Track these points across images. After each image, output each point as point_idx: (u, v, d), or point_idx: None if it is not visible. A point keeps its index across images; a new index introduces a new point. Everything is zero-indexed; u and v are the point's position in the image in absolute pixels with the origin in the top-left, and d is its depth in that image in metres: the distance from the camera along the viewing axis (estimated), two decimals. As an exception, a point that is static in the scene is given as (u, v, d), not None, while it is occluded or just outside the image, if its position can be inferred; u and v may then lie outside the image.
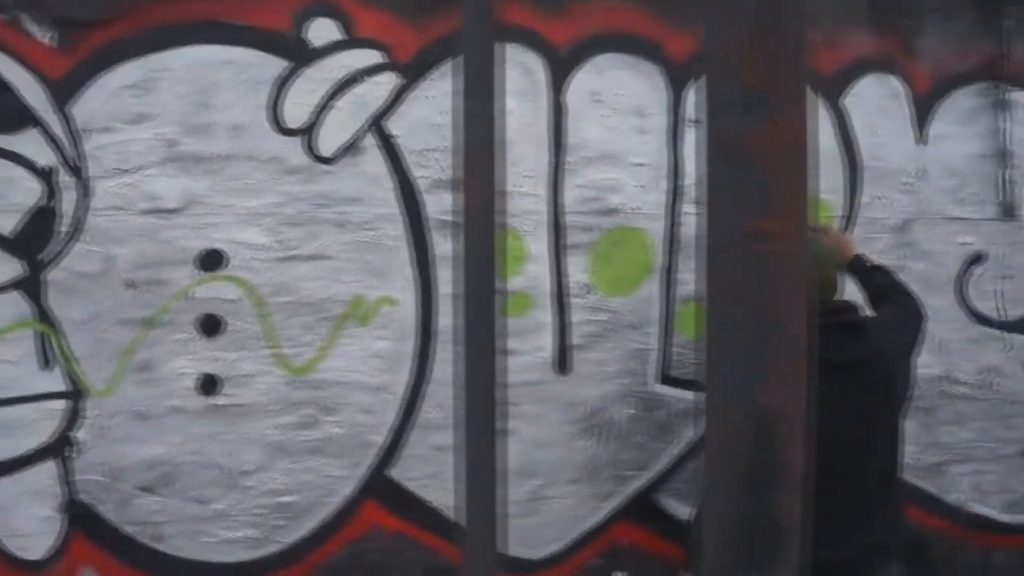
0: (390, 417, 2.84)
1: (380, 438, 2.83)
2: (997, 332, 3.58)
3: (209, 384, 2.73)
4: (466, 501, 1.24)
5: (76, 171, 2.62)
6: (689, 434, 3.09)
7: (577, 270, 2.96)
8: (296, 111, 2.80)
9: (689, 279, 3.09)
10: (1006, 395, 3.58)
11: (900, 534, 2.60)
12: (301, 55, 2.80)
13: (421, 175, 2.85)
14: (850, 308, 2.52)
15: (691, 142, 3.08)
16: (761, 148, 1.10)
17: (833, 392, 2.39)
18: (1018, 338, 3.60)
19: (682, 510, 3.09)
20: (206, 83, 2.73)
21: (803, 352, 1.16)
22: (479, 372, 1.18)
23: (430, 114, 2.86)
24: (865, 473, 2.48)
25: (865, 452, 2.46)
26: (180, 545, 2.70)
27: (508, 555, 2.92)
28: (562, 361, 2.96)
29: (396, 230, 2.84)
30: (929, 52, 3.47)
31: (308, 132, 2.80)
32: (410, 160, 2.85)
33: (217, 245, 2.74)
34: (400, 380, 2.84)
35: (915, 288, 3.40)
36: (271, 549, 2.77)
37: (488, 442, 1.18)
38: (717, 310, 1.16)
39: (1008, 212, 3.60)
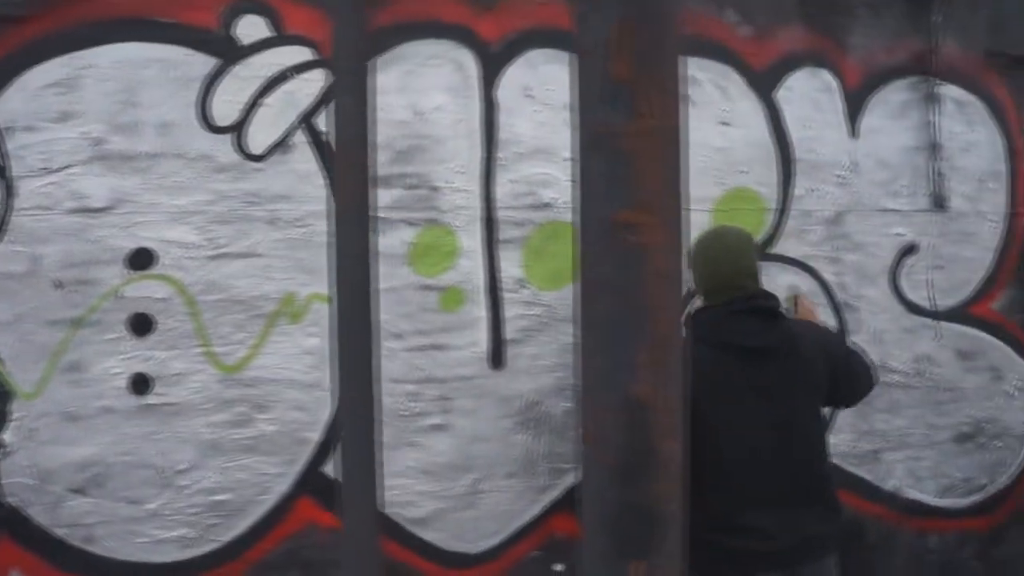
0: (324, 414, 2.84)
1: (314, 435, 2.83)
2: (929, 321, 3.65)
3: (140, 384, 2.71)
4: (343, 483, 1.25)
5: (-1, 170, 2.60)
6: (624, 426, 3.12)
7: (510, 265, 2.98)
8: (225, 109, 2.78)
9: (622, 272, 3.12)
10: (938, 383, 3.66)
11: (836, 525, 2.60)
12: (230, 52, 2.78)
13: (352, 172, 2.85)
14: (768, 296, 2.56)
15: (623, 137, 3.11)
16: (629, 141, 1.12)
17: (750, 378, 2.44)
18: (949, 327, 3.67)
19: (619, 501, 3.12)
20: (133, 81, 2.71)
21: (675, 343, 1.19)
22: (355, 365, 1.18)
23: (361, 111, 2.86)
24: (792, 460, 2.49)
25: (789, 438, 2.48)
26: (112, 546, 2.68)
27: (446, 550, 2.96)
28: (497, 356, 2.97)
29: (327, 227, 2.83)
30: (860, 47, 3.52)
31: (237, 130, 2.79)
32: (341, 157, 2.85)
33: (146, 244, 2.72)
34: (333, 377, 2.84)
35: (849, 279, 3.49)
36: (206, 548, 2.76)
37: (367, 442, 1.18)
38: (589, 301, 1.18)
39: (939, 203, 3.67)
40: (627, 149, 1.13)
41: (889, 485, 3.59)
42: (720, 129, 3.25)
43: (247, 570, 2.78)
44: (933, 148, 3.65)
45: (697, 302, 2.68)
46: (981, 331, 3.75)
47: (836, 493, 2.63)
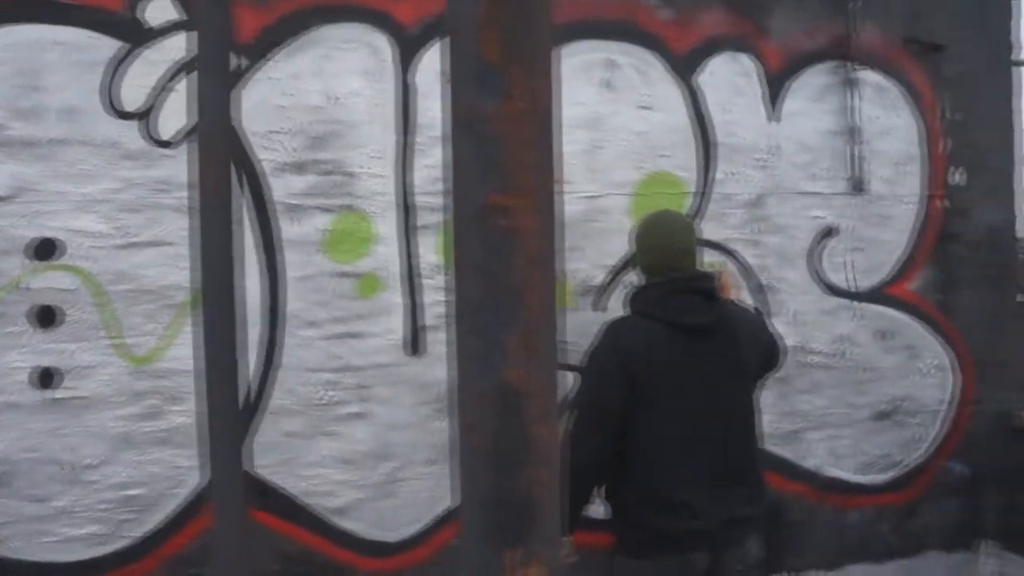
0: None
1: (230, 426, 2.77)
2: (849, 302, 3.71)
3: (47, 377, 2.64)
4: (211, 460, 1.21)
5: None
6: (545, 411, 3.12)
7: (427, 251, 2.95)
8: (133, 94, 2.71)
9: (542, 258, 3.11)
10: (857, 362, 3.72)
11: (761, 508, 2.61)
12: (137, 36, 2.71)
13: (265, 158, 2.79)
14: (708, 277, 2.61)
15: (542, 121, 3.09)
16: (499, 123, 1.10)
17: (689, 356, 2.46)
18: (868, 308, 3.74)
19: (541, 486, 3.11)
20: (34, 64, 2.62)
21: (547, 328, 1.17)
22: (220, 360, 1.15)
23: (273, 96, 2.80)
24: (724, 440, 2.51)
25: (723, 418, 2.50)
26: (18, 547, 2.60)
27: (366, 539, 2.93)
28: (414, 342, 2.94)
29: (239, 214, 2.77)
30: (780, 31, 3.55)
31: (146, 115, 2.72)
32: (253, 143, 2.78)
33: (51, 233, 2.64)
34: (247, 367, 2.79)
35: (769, 261, 3.53)
36: (118, 544, 2.70)
37: (234, 446, 1.15)
38: (462, 286, 1.16)
39: (857, 187, 3.73)
40: (496, 132, 1.11)
41: (810, 464, 3.65)
42: (640, 113, 3.25)
43: (161, 566, 2.73)
44: (852, 132, 3.70)
45: (637, 280, 2.72)
46: (898, 311, 3.82)
47: (763, 476, 2.66)
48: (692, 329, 2.46)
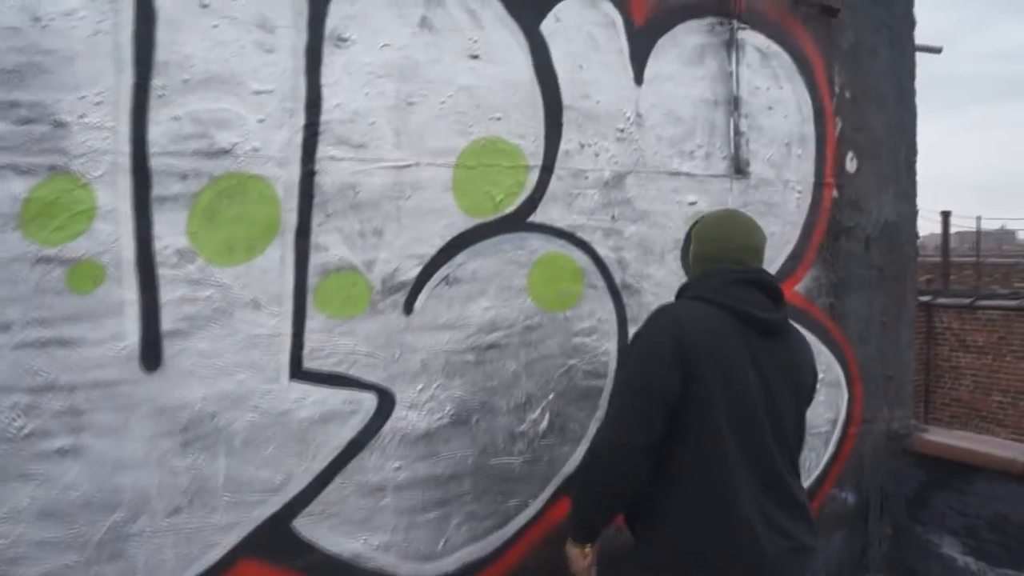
0: None
1: None
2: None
3: None
4: None
5: None
6: (334, 443, 2.43)
7: (171, 231, 2.20)
8: None
9: (332, 242, 2.40)
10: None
11: (816, 537, 2.18)
12: None
13: (-66, 96, 2.01)
14: (774, 277, 2.27)
15: (335, 65, 2.39)
16: None
17: (752, 353, 2.08)
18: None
19: (330, 539, 2.43)
20: None
21: None
22: None
23: (-51, 11, 2.02)
24: (779, 454, 2.11)
25: (779, 429, 2.12)
26: None
27: (86, 615, 2.18)
28: (151, 353, 2.19)
29: None
30: (649, -23, 2.94)
31: None
32: (-84, 75, 2.00)
33: None
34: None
35: (630, 255, 2.94)
36: None
37: None
38: None
39: (738, 168, 3.16)
40: None
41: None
42: (468, 64, 2.58)
43: None
44: (733, 103, 3.14)
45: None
46: (783, 316, 3.28)
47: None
48: (760, 324, 2.12)
